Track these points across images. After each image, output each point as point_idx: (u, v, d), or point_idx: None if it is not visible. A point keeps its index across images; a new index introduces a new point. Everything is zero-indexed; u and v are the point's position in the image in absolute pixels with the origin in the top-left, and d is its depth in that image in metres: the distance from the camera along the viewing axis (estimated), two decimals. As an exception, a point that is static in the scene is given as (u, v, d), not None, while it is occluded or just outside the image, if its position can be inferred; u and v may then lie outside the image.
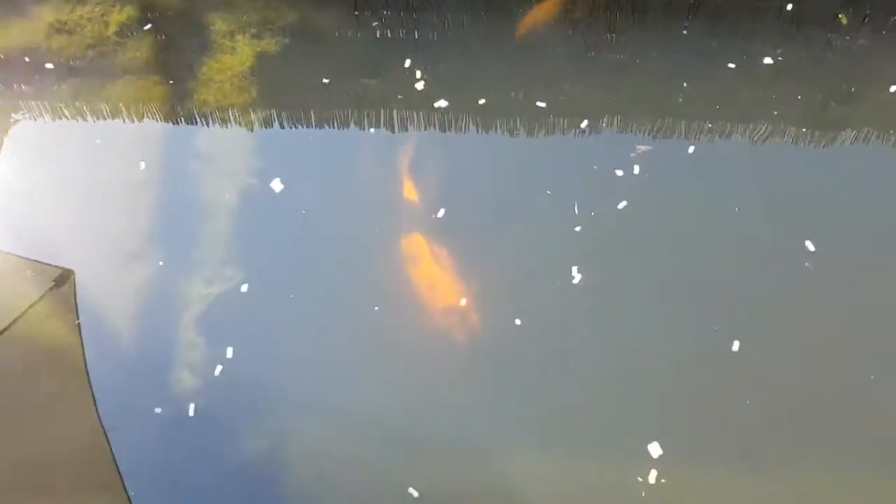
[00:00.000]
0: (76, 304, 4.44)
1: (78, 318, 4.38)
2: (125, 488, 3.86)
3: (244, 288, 4.40)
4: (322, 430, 4.05)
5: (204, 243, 4.66)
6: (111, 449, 3.98)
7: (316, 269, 4.53)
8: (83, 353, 4.28)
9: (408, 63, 5.14)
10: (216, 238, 4.66)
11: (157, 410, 4.11)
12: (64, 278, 4.55)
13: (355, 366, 4.18)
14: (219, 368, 4.19)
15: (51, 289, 4.52)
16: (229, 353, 4.24)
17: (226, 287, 4.44)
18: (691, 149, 4.64)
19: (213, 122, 5.07)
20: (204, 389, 4.17)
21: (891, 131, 4.74)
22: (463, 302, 4.22)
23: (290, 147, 5.10)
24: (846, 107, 4.87)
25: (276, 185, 4.77)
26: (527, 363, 4.07)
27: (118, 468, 3.93)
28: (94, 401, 4.14)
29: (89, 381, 4.20)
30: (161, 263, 4.54)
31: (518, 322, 4.15)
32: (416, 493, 3.74)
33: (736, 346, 3.95)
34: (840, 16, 5.18)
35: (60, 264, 4.57)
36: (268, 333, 4.35)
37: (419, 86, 5.06)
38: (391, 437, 3.97)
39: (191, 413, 4.09)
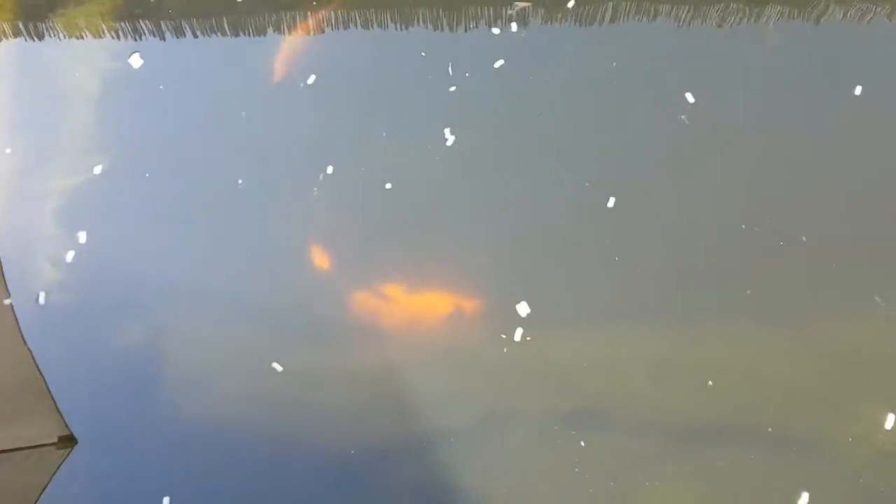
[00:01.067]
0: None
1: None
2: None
3: (97, 170, 4.09)
4: (186, 311, 3.85)
5: (63, 131, 4.31)
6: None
7: (176, 147, 4.23)
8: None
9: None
10: (76, 124, 4.31)
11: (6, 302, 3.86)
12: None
13: (218, 244, 3.96)
14: (71, 254, 3.92)
15: None
16: (82, 238, 3.96)
17: (85, 176, 4.14)
18: (570, 3, 4.38)
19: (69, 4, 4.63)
20: (58, 277, 3.92)
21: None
22: (330, 169, 3.98)
23: (149, 24, 4.67)
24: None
25: (136, 60, 4.40)
26: (397, 227, 3.89)
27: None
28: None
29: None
30: (8, 151, 4.20)
31: (388, 186, 3.94)
32: (280, 368, 3.61)
33: (611, 202, 3.83)
34: None
35: None
36: (125, 216, 4.07)
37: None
38: (256, 317, 3.79)
39: (41, 301, 3.84)
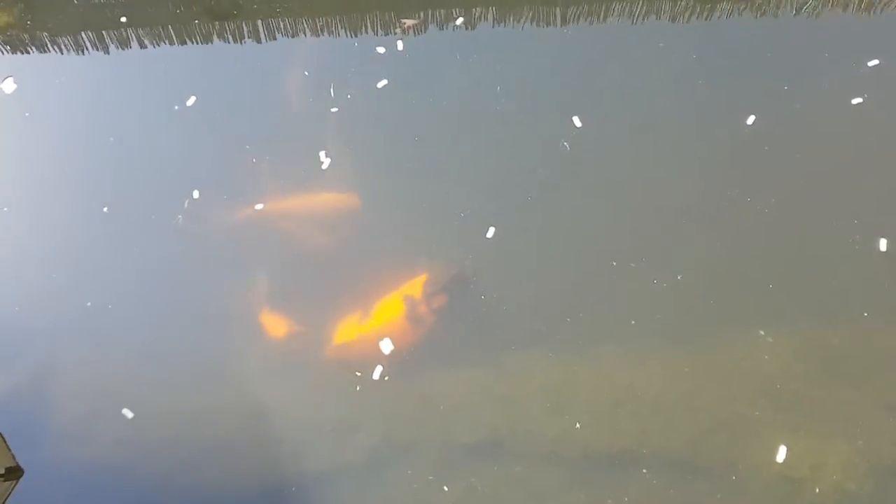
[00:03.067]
0: None
1: None
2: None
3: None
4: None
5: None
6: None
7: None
8: None
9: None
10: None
11: None
12: None
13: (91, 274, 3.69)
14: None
15: None
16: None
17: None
18: (459, 20, 4.19)
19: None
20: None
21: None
22: (196, 194, 3.74)
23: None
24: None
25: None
26: (263, 250, 3.65)
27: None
28: None
29: None
30: None
31: (259, 207, 3.70)
32: (130, 414, 3.31)
33: (491, 232, 3.58)
34: None
35: None
36: None
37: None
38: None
39: None
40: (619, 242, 3.48)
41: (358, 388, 3.23)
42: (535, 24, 4.22)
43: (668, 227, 3.53)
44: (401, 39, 4.09)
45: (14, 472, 3.24)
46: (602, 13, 4.26)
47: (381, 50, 4.07)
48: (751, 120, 3.74)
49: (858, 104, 3.81)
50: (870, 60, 3.97)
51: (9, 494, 3.18)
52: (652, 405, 3.19)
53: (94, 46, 4.45)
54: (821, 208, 3.59)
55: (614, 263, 3.41)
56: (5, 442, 3.30)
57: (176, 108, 4.02)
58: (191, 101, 4.03)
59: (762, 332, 3.27)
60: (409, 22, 4.14)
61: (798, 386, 3.19)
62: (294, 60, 4.22)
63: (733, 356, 3.27)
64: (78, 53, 4.43)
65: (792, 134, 3.73)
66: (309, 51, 4.30)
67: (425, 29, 4.16)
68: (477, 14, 4.24)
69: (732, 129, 3.73)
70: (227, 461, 3.19)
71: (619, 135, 3.76)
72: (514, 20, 4.23)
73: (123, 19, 4.48)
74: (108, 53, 4.44)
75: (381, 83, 3.94)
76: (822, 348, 3.28)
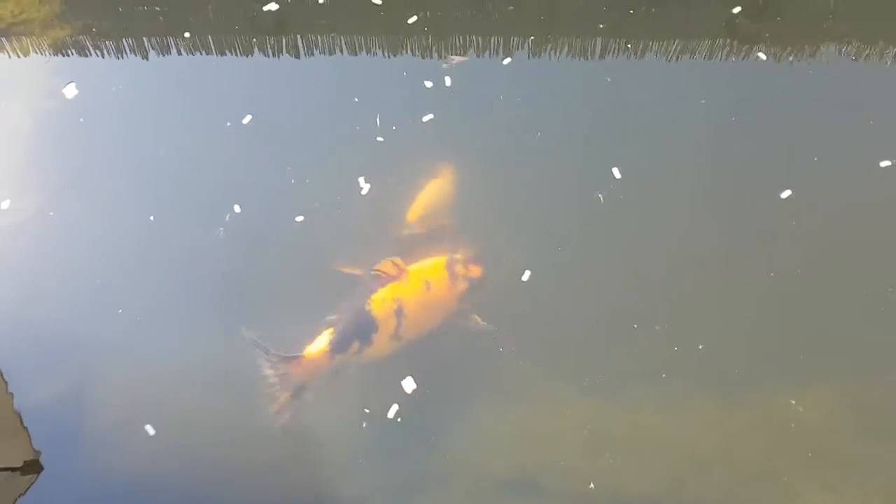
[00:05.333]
0: None
1: None
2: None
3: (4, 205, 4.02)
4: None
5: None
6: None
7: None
8: None
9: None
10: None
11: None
12: None
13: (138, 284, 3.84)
14: None
15: None
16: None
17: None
18: (507, 61, 4.28)
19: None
20: None
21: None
22: (238, 209, 3.87)
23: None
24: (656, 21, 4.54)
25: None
26: (297, 266, 3.75)
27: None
28: None
29: None
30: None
31: (300, 219, 3.80)
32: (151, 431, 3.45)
33: (527, 275, 3.66)
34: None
35: None
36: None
37: None
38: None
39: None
40: (645, 302, 3.54)
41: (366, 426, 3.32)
42: (579, 70, 4.30)
43: (699, 288, 3.59)
44: (448, 75, 4.18)
45: (32, 467, 3.27)
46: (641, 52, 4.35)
47: (428, 84, 4.17)
48: (786, 194, 3.79)
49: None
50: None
51: (26, 490, 3.22)
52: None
53: (158, 52, 4.63)
54: (854, 272, 3.63)
55: (635, 326, 3.48)
56: (27, 432, 3.36)
57: (228, 124, 4.16)
58: (242, 115, 4.16)
59: (793, 402, 3.32)
60: (456, 59, 4.23)
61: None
62: (346, 86, 4.33)
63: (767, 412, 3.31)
64: (140, 57, 4.60)
65: (823, 200, 3.77)
66: (361, 77, 4.41)
67: (475, 66, 4.25)
68: (523, 55, 4.33)
69: (768, 198, 3.79)
70: (251, 480, 3.32)
71: (657, 192, 3.82)
72: (559, 67, 4.32)
73: (187, 34, 4.65)
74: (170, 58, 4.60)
75: (427, 117, 4.05)
76: (857, 407, 3.34)
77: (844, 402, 3.38)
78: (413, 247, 3.58)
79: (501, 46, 4.36)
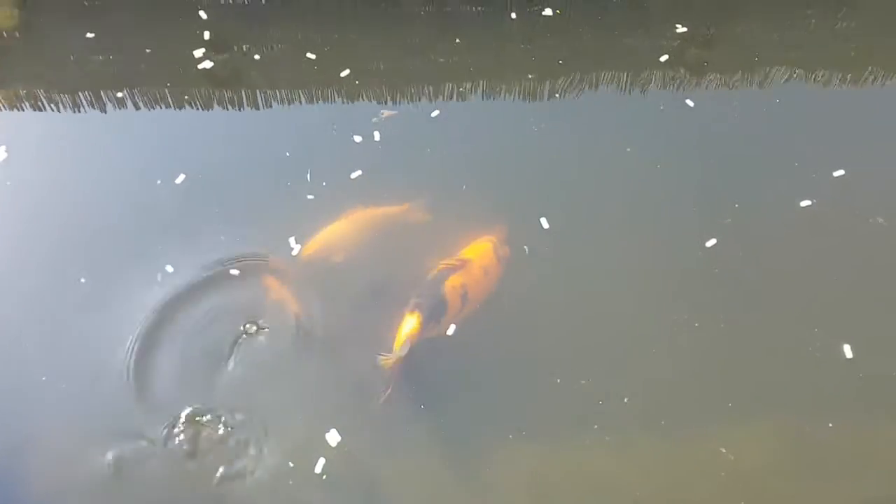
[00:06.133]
0: None
1: None
2: None
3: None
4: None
5: None
6: None
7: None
8: None
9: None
10: None
11: None
12: None
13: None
14: None
15: None
16: None
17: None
18: (434, 113, 4.32)
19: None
20: None
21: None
22: (170, 268, 3.85)
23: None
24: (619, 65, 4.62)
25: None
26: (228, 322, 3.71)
27: None
28: None
29: None
30: None
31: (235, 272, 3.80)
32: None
33: (451, 329, 3.66)
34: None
35: None
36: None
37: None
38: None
39: None
40: (569, 356, 3.56)
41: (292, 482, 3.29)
42: (507, 120, 4.35)
43: (624, 339, 3.62)
44: (378, 130, 4.20)
45: None
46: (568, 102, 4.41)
47: (357, 139, 4.19)
48: (710, 243, 3.85)
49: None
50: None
51: None
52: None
53: (92, 109, 4.61)
54: (778, 315, 3.69)
55: (558, 381, 3.49)
56: None
57: (159, 182, 4.15)
58: (175, 173, 4.15)
59: (723, 450, 3.34)
60: (386, 113, 4.26)
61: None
62: (278, 141, 4.34)
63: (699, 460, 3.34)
64: (72, 115, 4.58)
65: (745, 246, 3.84)
66: (294, 132, 4.42)
67: (402, 121, 4.28)
68: (451, 106, 4.39)
69: (693, 248, 3.85)
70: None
71: (582, 243, 3.87)
72: (487, 118, 4.37)
73: (120, 94, 4.65)
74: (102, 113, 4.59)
75: (356, 174, 4.06)
76: (788, 449, 3.38)
77: (774, 446, 3.41)
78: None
79: (430, 98, 4.41)
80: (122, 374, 3.55)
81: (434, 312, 3.54)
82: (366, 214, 3.96)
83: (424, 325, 3.50)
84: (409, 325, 3.50)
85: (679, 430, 3.40)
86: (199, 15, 4.91)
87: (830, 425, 3.43)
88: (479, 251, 3.79)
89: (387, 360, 3.41)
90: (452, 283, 3.62)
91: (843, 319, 3.69)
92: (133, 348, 3.61)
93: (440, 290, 3.58)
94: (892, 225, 3.95)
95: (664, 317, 3.67)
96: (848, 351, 3.59)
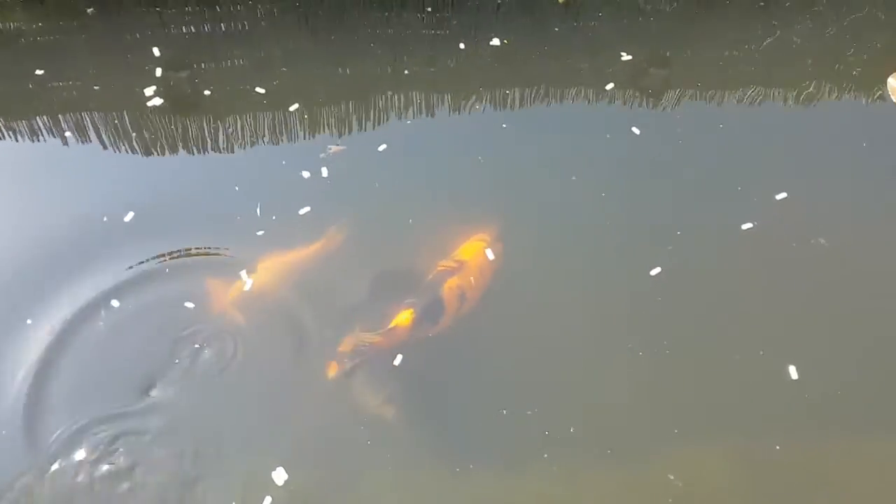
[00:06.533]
0: None
1: None
2: None
3: None
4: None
5: None
6: None
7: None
8: None
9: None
10: None
11: None
12: None
13: None
14: None
15: None
16: None
17: None
18: (382, 147, 4.35)
19: None
20: None
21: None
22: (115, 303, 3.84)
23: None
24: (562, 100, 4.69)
25: None
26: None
27: None
28: None
29: None
30: None
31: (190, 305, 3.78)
32: None
33: (399, 359, 3.67)
34: (560, 0, 5.10)
35: None
36: None
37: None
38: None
39: None
40: (514, 387, 3.58)
41: None
42: (456, 152, 4.40)
43: (570, 369, 3.65)
44: (325, 166, 4.23)
45: None
46: (523, 144, 4.47)
47: (306, 174, 4.21)
48: (655, 271, 3.91)
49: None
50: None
51: None
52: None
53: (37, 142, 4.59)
54: (722, 340, 3.75)
55: (504, 412, 3.50)
56: None
57: (105, 219, 4.13)
58: (124, 211, 4.13)
59: (671, 477, 3.36)
60: (334, 148, 4.29)
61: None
62: (226, 175, 4.34)
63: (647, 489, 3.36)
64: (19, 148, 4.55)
65: (689, 272, 3.90)
66: (243, 167, 4.43)
67: (350, 155, 4.32)
68: (399, 141, 4.43)
69: (638, 277, 3.91)
70: None
71: (527, 276, 3.91)
72: (434, 152, 4.42)
73: (68, 134, 4.63)
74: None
75: (304, 210, 4.07)
76: (736, 474, 3.40)
77: (722, 470, 3.44)
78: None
79: (377, 132, 4.45)
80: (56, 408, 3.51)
81: (430, 313, 3.71)
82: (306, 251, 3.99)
83: (418, 321, 3.67)
84: (402, 317, 3.68)
85: (626, 458, 3.42)
86: (152, 52, 4.92)
87: (778, 447, 3.47)
88: (474, 250, 3.92)
89: (368, 337, 3.59)
90: (450, 285, 3.78)
91: (788, 341, 3.75)
92: (67, 382, 3.58)
93: (438, 292, 3.74)
94: (834, 246, 4.04)
95: (609, 345, 3.71)
96: (793, 372, 3.64)
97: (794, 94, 4.81)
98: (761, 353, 3.71)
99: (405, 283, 3.89)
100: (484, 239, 3.98)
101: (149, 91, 4.72)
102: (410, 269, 3.94)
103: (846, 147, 4.52)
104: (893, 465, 3.49)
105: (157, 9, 5.12)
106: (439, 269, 3.88)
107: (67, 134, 4.61)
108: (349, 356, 3.61)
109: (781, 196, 4.17)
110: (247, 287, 3.86)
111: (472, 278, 3.83)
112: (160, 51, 4.92)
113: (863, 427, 3.56)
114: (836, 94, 4.84)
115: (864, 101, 4.81)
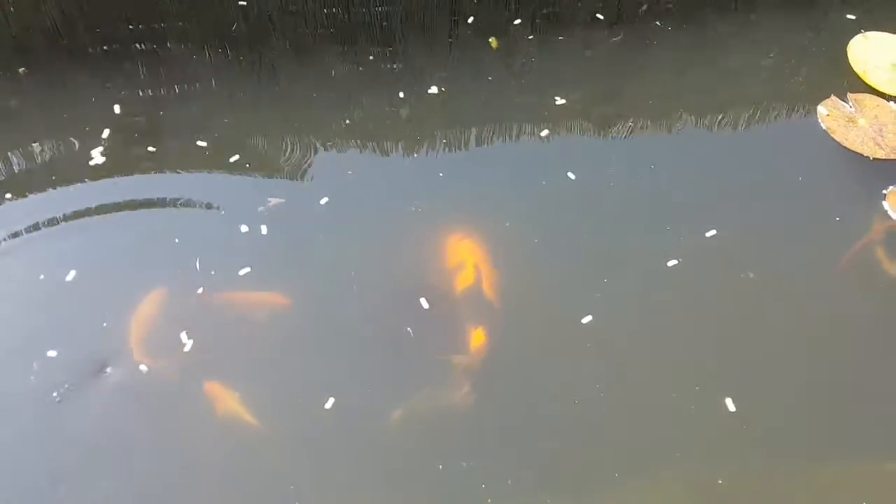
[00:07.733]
0: None
1: None
2: None
3: None
4: None
5: None
6: None
7: None
8: None
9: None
10: None
11: None
12: None
13: None
14: None
15: None
16: None
17: None
18: (324, 200, 4.41)
19: None
20: None
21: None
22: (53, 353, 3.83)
23: None
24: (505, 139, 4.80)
25: None
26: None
27: None
28: None
29: None
30: None
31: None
32: None
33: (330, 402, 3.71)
34: (490, 40, 5.21)
35: None
36: None
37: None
38: None
39: None
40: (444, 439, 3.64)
41: None
42: (395, 202, 4.47)
43: (505, 422, 3.72)
44: (265, 224, 4.26)
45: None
46: (459, 192, 4.57)
47: (244, 228, 4.24)
48: (587, 319, 4.02)
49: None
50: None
51: None
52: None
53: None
54: (657, 380, 3.84)
55: (440, 467, 3.55)
56: None
57: (42, 276, 4.11)
58: (65, 268, 4.11)
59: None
60: (273, 200, 4.33)
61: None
62: (165, 232, 4.33)
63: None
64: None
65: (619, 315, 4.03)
66: (182, 222, 4.41)
67: (289, 208, 4.36)
68: (340, 192, 4.48)
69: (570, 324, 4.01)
70: None
71: (462, 325, 3.97)
72: (376, 201, 4.48)
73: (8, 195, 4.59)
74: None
75: (244, 270, 4.10)
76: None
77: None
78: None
79: (318, 184, 4.50)
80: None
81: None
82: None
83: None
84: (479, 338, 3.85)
85: (567, 500, 3.46)
86: (112, 109, 4.87)
87: (720, 482, 3.54)
88: (468, 250, 4.11)
89: (461, 359, 3.78)
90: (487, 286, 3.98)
91: (722, 374, 3.85)
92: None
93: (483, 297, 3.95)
94: (762, 279, 4.16)
95: (541, 393, 3.78)
96: (730, 404, 3.72)
97: (729, 127, 4.94)
98: (697, 388, 3.80)
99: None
100: (463, 237, 4.20)
101: (95, 152, 4.65)
102: (351, 322, 3.99)
103: (779, 179, 4.65)
104: (837, 490, 3.58)
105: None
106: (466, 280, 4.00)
107: (9, 195, 4.57)
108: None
109: (711, 233, 4.29)
110: (187, 349, 3.86)
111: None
112: (121, 108, 4.88)
113: (805, 454, 3.68)
114: (769, 126, 4.97)
115: (797, 132, 4.94)
